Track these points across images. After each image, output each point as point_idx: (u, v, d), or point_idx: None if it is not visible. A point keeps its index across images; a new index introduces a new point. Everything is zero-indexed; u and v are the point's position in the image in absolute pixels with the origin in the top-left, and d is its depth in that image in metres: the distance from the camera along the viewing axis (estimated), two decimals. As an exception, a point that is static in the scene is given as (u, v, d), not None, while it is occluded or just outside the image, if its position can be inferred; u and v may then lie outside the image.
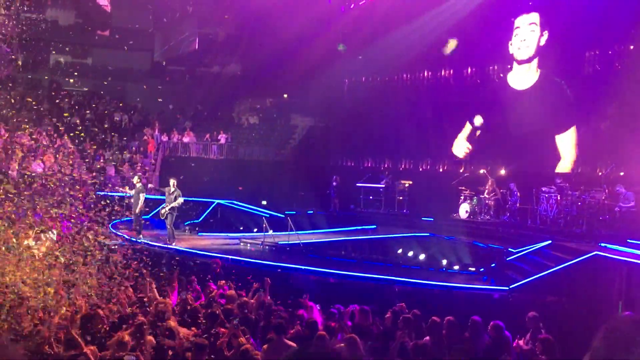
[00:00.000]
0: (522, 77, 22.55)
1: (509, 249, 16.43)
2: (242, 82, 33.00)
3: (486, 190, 20.71)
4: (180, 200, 17.96)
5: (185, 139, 28.83)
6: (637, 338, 1.37)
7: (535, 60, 22.17)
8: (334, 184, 24.22)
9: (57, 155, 25.42)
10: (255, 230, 20.62)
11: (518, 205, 20.01)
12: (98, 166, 26.38)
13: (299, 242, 17.78)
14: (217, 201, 23.00)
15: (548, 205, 18.70)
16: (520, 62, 22.69)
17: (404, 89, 26.98)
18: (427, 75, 26.45)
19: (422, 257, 17.21)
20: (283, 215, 20.22)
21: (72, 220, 20.02)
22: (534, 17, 22.18)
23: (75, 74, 33.11)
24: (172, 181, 18.34)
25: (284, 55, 26.90)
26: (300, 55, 25.77)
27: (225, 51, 34.24)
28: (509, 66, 23.08)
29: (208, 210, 22.89)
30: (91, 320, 8.10)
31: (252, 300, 10.53)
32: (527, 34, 22.30)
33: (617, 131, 18.98)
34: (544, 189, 18.90)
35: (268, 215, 20.71)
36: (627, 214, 16.49)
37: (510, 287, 13.30)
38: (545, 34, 21.68)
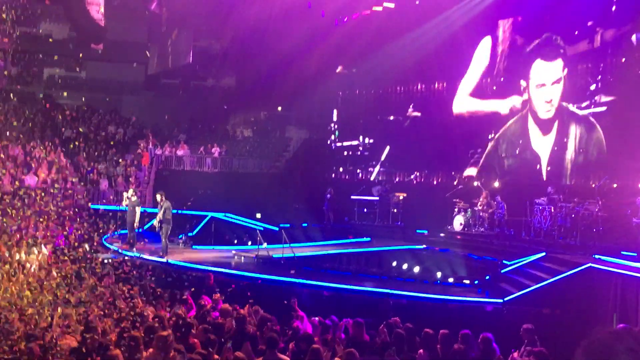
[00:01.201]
0: (544, 133, 21.73)
1: (504, 261, 16.42)
2: (236, 95, 33.08)
3: (480, 203, 20.74)
4: (161, 213, 17.90)
5: (179, 152, 28.79)
6: (617, 349, 1.37)
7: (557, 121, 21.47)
8: (328, 196, 24.22)
9: (51, 169, 25.37)
10: (249, 243, 20.56)
11: (506, 217, 20.01)
12: (91, 179, 26.32)
13: (293, 255, 17.74)
14: (211, 214, 22.95)
15: (542, 217, 18.72)
16: (540, 122, 21.87)
17: (397, 101, 27.08)
18: (420, 87, 26.55)
19: (416, 269, 17.18)
20: (277, 228, 20.19)
21: (65, 234, 19.97)
22: (558, 67, 21.06)
23: (69, 87, 33.14)
24: (158, 195, 18.36)
25: (279, 68, 27.00)
26: (295, 68, 25.87)
27: (220, 64, 34.31)
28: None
29: (202, 224, 22.82)
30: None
31: (248, 317, 10.46)
32: (552, 93, 21.26)
33: (610, 142, 19.08)
34: (537, 200, 18.92)
35: (262, 229, 20.66)
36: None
37: (505, 299, 13.30)
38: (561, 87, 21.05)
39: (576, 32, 20.51)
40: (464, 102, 24.44)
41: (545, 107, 21.52)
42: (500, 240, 19.29)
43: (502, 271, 15.77)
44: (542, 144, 21.71)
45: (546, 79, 21.40)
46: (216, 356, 8.05)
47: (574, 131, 20.64)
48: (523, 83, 22.16)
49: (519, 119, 22.47)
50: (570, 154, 20.74)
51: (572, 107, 20.68)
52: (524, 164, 22.19)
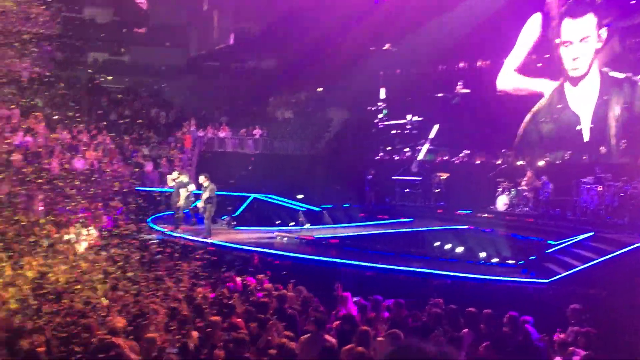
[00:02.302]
0: (583, 93, 21.54)
1: (549, 242, 16.16)
2: (276, 76, 33.11)
3: (524, 182, 20.39)
4: (205, 194, 18.12)
5: (221, 134, 29.05)
6: None
7: (595, 65, 21.17)
8: (369, 177, 24.14)
9: (97, 152, 25.92)
10: (291, 224, 20.69)
11: (551, 197, 19.66)
12: (136, 162, 26.80)
13: (335, 235, 17.78)
14: (253, 195, 23.14)
15: (589, 196, 18.32)
16: (572, 79, 21.76)
17: (439, 80, 26.72)
18: (463, 65, 26.14)
19: (459, 250, 17.04)
20: (319, 209, 20.24)
21: (113, 216, 20.45)
22: (588, 24, 20.87)
23: (113, 71, 33.68)
24: (202, 177, 18.56)
25: (319, 48, 26.89)
26: (335, 49, 25.74)
27: (260, 45, 34.36)
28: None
29: (245, 205, 23.05)
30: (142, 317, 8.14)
31: (290, 294, 10.57)
32: (579, 51, 21.14)
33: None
34: (584, 180, 18.53)
35: (304, 209, 20.74)
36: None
37: (551, 280, 13.09)
38: (604, 32, 20.66)
39: (632, 1, 19.97)
40: (509, 78, 24.08)
41: (572, 65, 21.31)
42: (546, 220, 18.98)
43: (548, 251, 15.52)
44: (581, 104, 21.44)
45: (573, 37, 21.25)
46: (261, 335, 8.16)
47: (616, 90, 20.42)
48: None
49: (557, 88, 22.19)
50: (614, 110, 20.37)
51: (613, 73, 20.30)
52: (563, 128, 21.83)
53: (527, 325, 8.61)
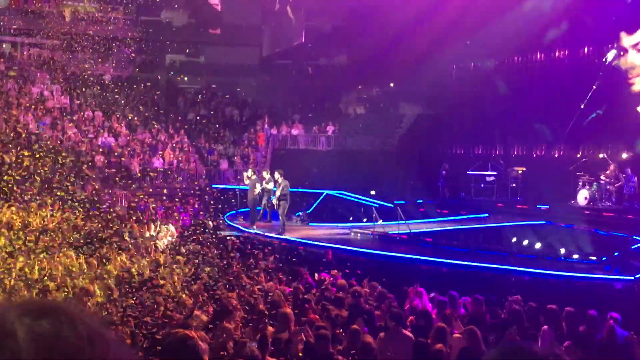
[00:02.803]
0: None
1: (634, 237, 15.52)
2: (348, 72, 33.14)
3: (606, 176, 19.62)
4: (279, 191, 18.35)
5: (294, 132, 29.35)
6: None
7: None
8: (443, 172, 23.83)
9: (175, 151, 26.70)
10: (364, 220, 20.68)
11: (636, 191, 18.83)
12: (212, 160, 27.46)
13: (409, 231, 17.67)
14: (326, 192, 23.27)
15: (677, 190, 17.48)
16: None
17: (515, 73, 26.04)
18: (539, 57, 25.39)
19: (537, 245, 16.58)
20: (392, 205, 20.15)
21: (191, 213, 21.04)
22: None
23: (189, 72, 34.60)
24: (277, 174, 18.84)
25: (391, 43, 26.70)
26: (407, 43, 25.50)
27: (332, 42, 34.47)
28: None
29: (318, 201, 23.21)
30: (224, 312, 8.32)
31: (365, 289, 10.58)
32: None
33: None
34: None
35: (377, 205, 20.69)
36: None
37: (637, 276, 12.57)
38: None
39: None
40: None
41: None
42: (630, 215, 18.22)
43: (633, 247, 14.92)
44: None
45: None
46: (338, 331, 8.21)
47: None
48: None
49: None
50: None
51: None
52: None
53: (612, 322, 8.32)
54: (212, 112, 31.52)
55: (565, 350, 7.71)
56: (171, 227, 18.72)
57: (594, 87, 21.94)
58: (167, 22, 35.02)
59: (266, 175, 20.26)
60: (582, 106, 22.23)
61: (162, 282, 10.17)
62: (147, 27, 32.59)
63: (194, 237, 16.57)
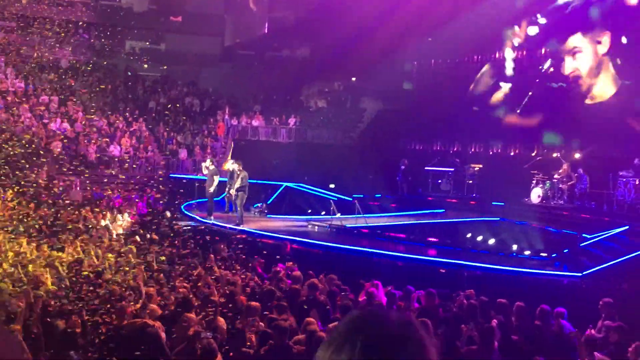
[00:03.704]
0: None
1: (583, 235, 15.95)
2: (311, 65, 33.11)
3: (560, 175, 20.10)
4: (238, 182, 18.27)
5: (255, 123, 29.23)
6: None
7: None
8: (402, 167, 24.06)
9: (132, 139, 26.32)
10: (323, 213, 20.76)
11: (588, 190, 19.35)
12: (171, 149, 27.16)
13: (366, 225, 17.80)
14: (285, 184, 23.26)
15: (626, 189, 18.00)
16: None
17: (474, 71, 26.43)
18: (498, 56, 25.81)
19: (491, 241, 16.91)
20: (351, 199, 20.27)
21: (147, 202, 20.81)
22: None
23: (150, 59, 34.07)
24: (236, 164, 18.76)
25: (353, 38, 26.78)
26: (370, 38, 25.61)
27: (295, 35, 34.39)
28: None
29: (277, 193, 23.19)
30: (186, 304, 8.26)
31: (320, 282, 10.63)
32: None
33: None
34: (621, 173, 18.19)
35: (336, 199, 20.78)
36: None
37: (584, 273, 12.94)
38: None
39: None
40: None
41: None
42: (580, 213, 18.70)
43: (582, 245, 15.33)
44: None
45: None
46: (292, 320, 8.24)
47: None
48: None
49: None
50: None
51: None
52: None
53: (560, 318, 8.55)
54: (171, 101, 31.15)
55: (515, 343, 7.92)
56: (126, 216, 18.50)
57: (530, 93, 22.60)
58: (127, 8, 34.40)
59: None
60: (518, 111, 22.86)
61: (115, 271, 10.05)
62: (107, 12, 31.99)
63: (150, 226, 16.41)
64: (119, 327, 7.44)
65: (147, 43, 36.40)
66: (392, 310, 1.33)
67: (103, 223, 16.92)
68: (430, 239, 16.85)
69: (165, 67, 34.58)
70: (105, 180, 22.78)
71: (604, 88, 21.80)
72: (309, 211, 21.56)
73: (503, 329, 8.21)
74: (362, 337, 1.29)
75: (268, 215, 21.15)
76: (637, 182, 17.61)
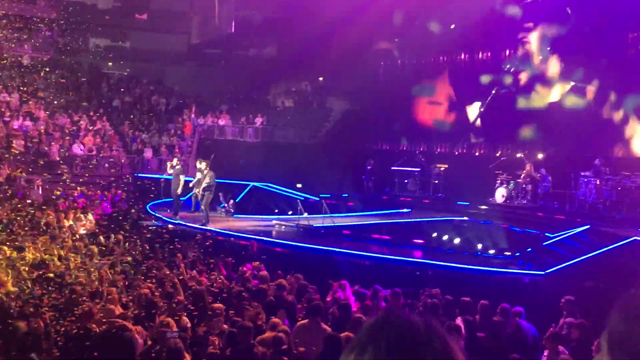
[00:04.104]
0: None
1: (546, 234, 16.22)
2: (278, 65, 33.05)
3: (523, 175, 20.42)
4: (204, 181, 18.17)
5: (221, 122, 29.06)
6: None
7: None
8: (369, 167, 24.16)
9: (96, 138, 25.93)
10: (290, 212, 20.74)
11: (550, 190, 19.69)
12: (136, 149, 26.83)
13: (333, 224, 17.84)
14: (252, 184, 23.17)
15: (587, 189, 18.36)
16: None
17: (440, 72, 26.66)
18: (464, 57, 26.09)
19: (457, 241, 17.09)
20: (318, 198, 20.29)
21: (112, 201, 20.51)
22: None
23: (114, 57, 33.62)
24: (204, 163, 18.64)
25: (321, 38, 26.82)
26: (337, 39, 25.67)
27: (262, 34, 34.30)
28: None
29: (243, 193, 23.09)
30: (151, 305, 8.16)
31: (287, 281, 10.61)
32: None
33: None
34: (583, 173, 18.55)
35: (303, 198, 20.79)
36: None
37: (547, 271, 13.16)
38: None
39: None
40: None
41: None
42: (543, 213, 19.03)
43: (544, 244, 15.59)
44: None
45: None
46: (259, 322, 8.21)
47: None
48: None
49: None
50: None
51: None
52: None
53: (517, 317, 8.67)
54: (137, 99, 30.79)
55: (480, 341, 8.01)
56: (90, 216, 18.21)
57: (493, 91, 22.94)
58: (91, 5, 33.90)
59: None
60: (482, 109, 23.19)
61: (79, 272, 9.88)
62: (70, 8, 31.46)
63: (115, 226, 16.19)
64: (88, 328, 7.31)
65: (112, 41, 35.93)
66: (413, 313, 1.35)
67: (66, 223, 16.63)
68: (397, 239, 16.96)
69: (130, 66, 34.17)
70: (69, 179, 22.38)
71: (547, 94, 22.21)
72: (276, 211, 21.51)
73: (469, 327, 8.31)
74: (386, 338, 1.31)
75: (235, 215, 21.06)
76: (598, 182, 17.97)
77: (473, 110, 24.03)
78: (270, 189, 23.33)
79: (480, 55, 25.47)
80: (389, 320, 1.33)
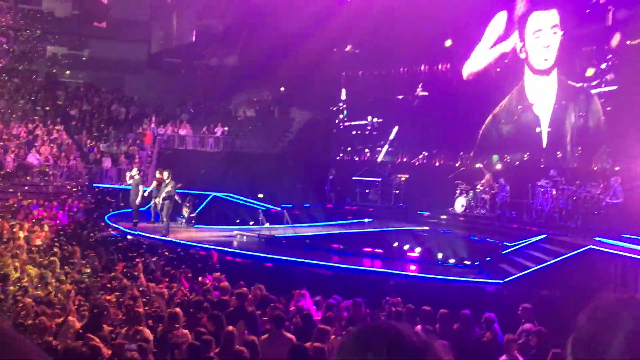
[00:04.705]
0: (543, 91, 21.84)
1: (504, 243, 16.48)
2: (239, 74, 32.92)
3: (482, 185, 20.74)
4: (164, 191, 18.00)
5: (182, 132, 28.79)
6: (621, 317, 1.40)
7: (555, 70, 21.48)
8: (330, 177, 24.25)
9: (53, 148, 25.42)
10: (251, 223, 20.64)
11: (508, 199, 20.04)
12: (94, 158, 26.37)
13: (295, 234, 17.81)
14: (213, 194, 23.00)
15: (544, 199, 18.74)
16: (538, 72, 22.02)
17: (403, 82, 26.94)
18: (424, 69, 26.42)
19: (417, 250, 17.24)
20: (279, 209, 20.26)
21: (68, 212, 20.10)
22: (554, 16, 21.22)
23: (72, 65, 33.03)
24: (166, 172, 18.46)
25: (282, 48, 26.87)
26: (298, 49, 25.75)
27: (223, 43, 34.15)
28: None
29: (204, 203, 22.90)
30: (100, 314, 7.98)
31: (249, 292, 10.55)
32: (550, 39, 21.22)
33: (616, 126, 19.06)
34: (539, 183, 18.93)
35: (264, 208, 20.72)
36: (612, 208, 16.52)
37: (505, 280, 13.38)
38: (559, 35, 21.02)
39: (587, 11, 20.46)
40: (474, 62, 24.37)
41: (543, 55, 21.63)
42: (502, 222, 19.34)
43: (503, 252, 15.85)
44: (542, 103, 21.79)
45: (543, 25, 21.57)
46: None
47: (574, 96, 20.93)
48: (519, 44, 22.44)
49: (517, 89, 22.69)
50: (570, 116, 20.90)
51: (570, 82, 20.87)
52: (523, 129, 22.24)
53: (493, 323, 8.77)
54: (95, 108, 30.30)
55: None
56: (45, 227, 17.81)
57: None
58: (48, 12, 33.29)
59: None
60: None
61: (36, 285, 9.65)
62: (26, 15, 30.83)
63: (72, 237, 15.87)
64: (47, 342, 7.10)
65: (69, 49, 35.32)
66: (402, 324, 1.29)
67: (21, 234, 16.23)
68: (358, 249, 17.03)
69: (88, 75, 33.62)
70: (24, 190, 21.86)
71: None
72: (238, 221, 21.38)
73: (429, 335, 8.35)
74: (386, 345, 1.27)
75: (195, 226, 20.86)
76: (554, 192, 18.36)
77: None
78: (231, 199, 23.19)
79: (440, 67, 25.81)
80: (375, 332, 1.31)
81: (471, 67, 24.40)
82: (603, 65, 19.90)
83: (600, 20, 20.05)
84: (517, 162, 21.97)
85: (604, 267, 13.05)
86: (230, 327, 7.56)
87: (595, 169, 18.92)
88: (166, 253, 15.12)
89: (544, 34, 21.49)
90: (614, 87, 19.48)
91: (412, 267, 15.18)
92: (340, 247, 17.40)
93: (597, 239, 14.55)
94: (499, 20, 23.55)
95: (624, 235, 14.58)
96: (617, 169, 18.23)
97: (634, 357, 1.35)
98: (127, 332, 7.58)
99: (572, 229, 16.79)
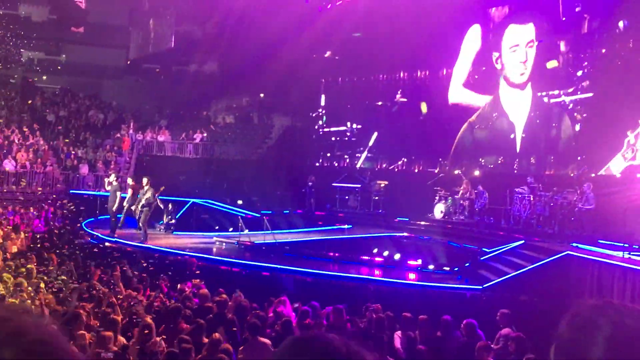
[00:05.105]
0: (517, 103, 22.15)
1: (483, 249, 16.59)
2: (218, 81, 32.86)
3: (461, 191, 20.88)
4: (144, 198, 17.86)
5: (160, 138, 28.61)
6: (599, 322, 1.41)
7: (529, 84, 21.80)
8: (310, 183, 24.22)
9: (29, 153, 25.10)
10: (231, 229, 20.54)
11: (487, 206, 20.18)
12: (71, 164, 26.09)
13: (274, 241, 17.76)
14: (192, 200, 22.86)
15: (521, 205, 18.91)
16: (513, 86, 22.32)
17: (380, 89, 27.08)
18: (403, 76, 26.56)
19: (397, 256, 17.27)
20: (259, 215, 20.19)
21: (44, 219, 19.86)
22: (530, 30, 21.56)
23: (49, 71, 32.75)
24: (144, 179, 18.33)
25: (262, 54, 26.86)
26: (277, 55, 25.76)
27: (202, 49, 34.06)
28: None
29: (183, 210, 22.73)
30: (74, 320, 7.90)
31: (228, 299, 10.48)
32: (526, 54, 21.62)
33: (590, 133, 19.32)
34: (517, 189, 19.11)
35: (244, 215, 20.64)
36: (584, 214, 16.73)
37: (484, 286, 13.46)
38: (535, 48, 21.39)
39: (564, 19, 20.75)
40: (458, 93, 24.44)
41: (519, 69, 21.93)
42: (480, 229, 19.46)
43: (482, 259, 15.93)
44: (516, 113, 22.07)
45: (520, 40, 21.86)
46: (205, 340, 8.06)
47: (547, 110, 21.28)
48: (495, 54, 22.64)
49: (493, 98, 22.98)
50: (543, 126, 21.18)
51: (545, 98, 21.18)
52: (497, 134, 22.46)
53: (478, 330, 8.80)
54: (73, 114, 30.01)
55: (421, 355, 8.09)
56: (22, 234, 17.57)
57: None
58: (25, 17, 32.97)
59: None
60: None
61: (10, 293, 9.50)
62: (3, 20, 30.52)
63: (48, 244, 15.68)
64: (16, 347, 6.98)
65: (46, 54, 35.00)
66: (334, 335, 1.27)
67: (-4, 242, 15.99)
68: (338, 255, 17.02)
69: (65, 80, 33.32)
70: (0, 196, 21.57)
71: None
72: (217, 228, 21.26)
73: (409, 342, 8.38)
74: (313, 357, 1.26)
75: (174, 232, 20.70)
76: (531, 199, 18.55)
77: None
78: (210, 205, 23.06)
79: (419, 74, 25.98)
80: (306, 344, 1.29)
81: (456, 98, 24.51)
82: (579, 73, 20.20)
83: (576, 29, 20.36)
84: (492, 166, 22.22)
85: (581, 272, 13.19)
86: (217, 335, 7.52)
87: (572, 175, 19.15)
88: (142, 261, 14.98)
89: (520, 49, 21.87)
90: (590, 95, 19.77)
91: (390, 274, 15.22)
92: (319, 254, 17.36)
93: (574, 244, 14.71)
94: (474, 33, 23.78)
95: (600, 241, 14.77)
96: (592, 175, 18.47)
97: None
98: (103, 340, 7.49)
99: (549, 235, 16.96)
